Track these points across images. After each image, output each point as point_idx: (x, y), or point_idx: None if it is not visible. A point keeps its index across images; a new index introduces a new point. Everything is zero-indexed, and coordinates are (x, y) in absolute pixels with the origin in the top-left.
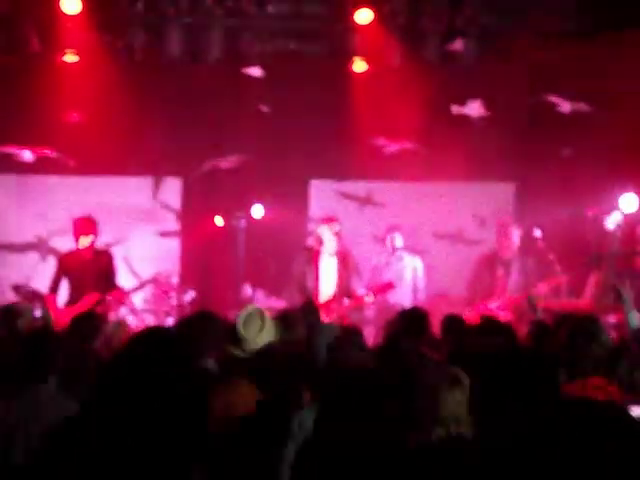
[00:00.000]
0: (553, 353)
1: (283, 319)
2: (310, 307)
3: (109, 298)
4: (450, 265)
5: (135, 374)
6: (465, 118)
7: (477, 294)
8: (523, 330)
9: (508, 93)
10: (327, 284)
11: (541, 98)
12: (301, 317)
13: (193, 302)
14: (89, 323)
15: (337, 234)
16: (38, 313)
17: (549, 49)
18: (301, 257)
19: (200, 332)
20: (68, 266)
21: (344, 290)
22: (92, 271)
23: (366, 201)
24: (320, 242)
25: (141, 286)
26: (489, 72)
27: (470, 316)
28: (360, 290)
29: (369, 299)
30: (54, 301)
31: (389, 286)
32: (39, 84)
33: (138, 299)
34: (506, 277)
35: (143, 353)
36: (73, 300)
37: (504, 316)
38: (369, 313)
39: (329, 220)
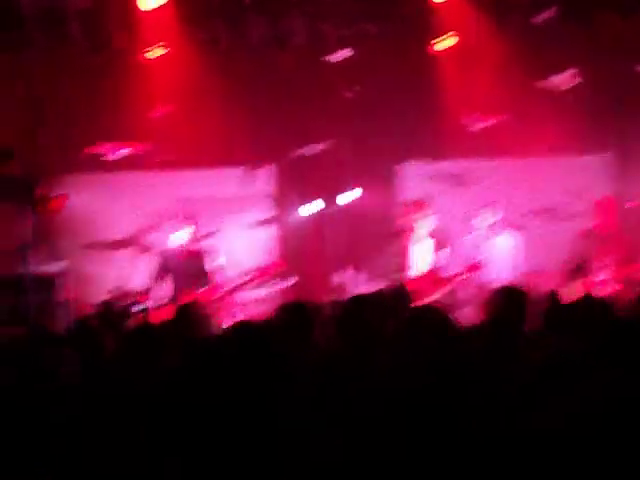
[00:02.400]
0: None
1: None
2: (401, 292)
3: (207, 295)
4: (546, 241)
5: (221, 369)
6: (555, 90)
7: (576, 269)
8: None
9: (596, 63)
10: (421, 266)
11: (631, 67)
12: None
13: (293, 288)
14: (193, 314)
15: (429, 216)
16: (137, 309)
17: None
18: (394, 241)
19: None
20: (166, 265)
21: (438, 272)
22: (189, 269)
23: (457, 180)
24: (412, 225)
25: (240, 277)
26: (575, 42)
27: (571, 291)
28: (454, 270)
29: (463, 279)
30: (150, 299)
31: (478, 266)
32: (124, 80)
33: (237, 291)
34: (606, 251)
35: (231, 349)
36: (172, 298)
37: (611, 289)
38: (465, 293)
39: (420, 203)
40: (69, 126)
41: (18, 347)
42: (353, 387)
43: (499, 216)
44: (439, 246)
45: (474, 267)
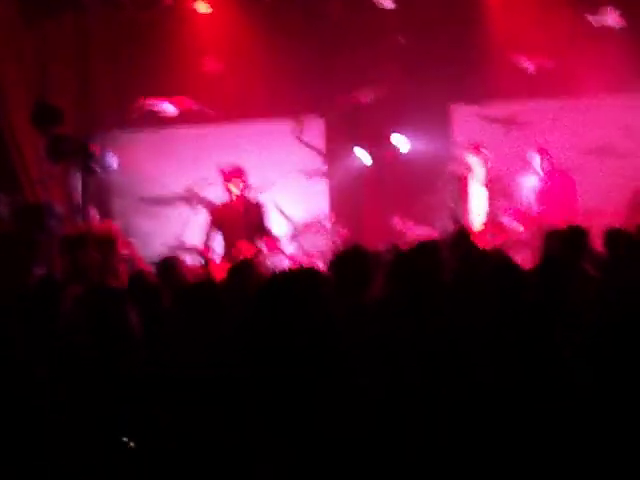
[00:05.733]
0: None
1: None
2: (463, 234)
3: (263, 247)
4: (601, 180)
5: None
6: (605, 28)
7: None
8: None
9: None
10: (478, 211)
11: None
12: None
13: (345, 240)
14: (246, 272)
15: (485, 160)
16: (195, 263)
17: None
18: (450, 185)
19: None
20: (221, 219)
21: (496, 217)
22: (245, 222)
23: (510, 122)
24: (468, 169)
25: (293, 230)
26: None
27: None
28: (510, 215)
29: (519, 228)
30: (209, 254)
31: (537, 213)
32: (173, 37)
33: (291, 243)
34: None
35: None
36: (227, 252)
37: None
38: (522, 236)
39: (476, 147)
40: (119, 84)
41: (82, 305)
42: (409, 331)
43: (552, 157)
44: (495, 190)
45: (531, 217)
